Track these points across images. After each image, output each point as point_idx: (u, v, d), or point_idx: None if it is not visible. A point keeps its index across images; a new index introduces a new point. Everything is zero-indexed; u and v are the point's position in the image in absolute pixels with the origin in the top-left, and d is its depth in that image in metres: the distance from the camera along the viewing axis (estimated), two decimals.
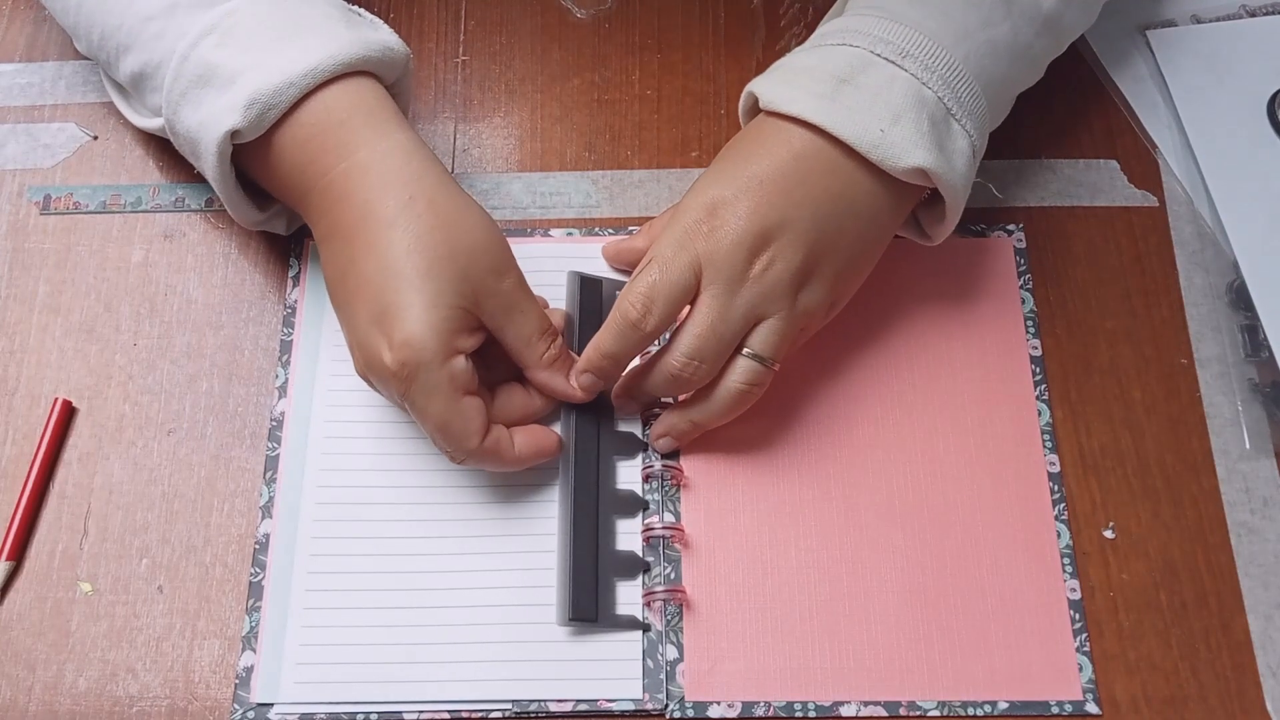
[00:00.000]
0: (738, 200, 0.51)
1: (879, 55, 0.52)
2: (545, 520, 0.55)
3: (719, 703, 0.52)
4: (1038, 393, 0.59)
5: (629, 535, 0.55)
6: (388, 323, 0.49)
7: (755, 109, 0.55)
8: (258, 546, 0.55)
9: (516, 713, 0.52)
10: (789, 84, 0.53)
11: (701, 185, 0.53)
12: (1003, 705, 0.52)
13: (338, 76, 0.53)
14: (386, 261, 0.50)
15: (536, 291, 0.54)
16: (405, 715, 0.52)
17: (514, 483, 0.56)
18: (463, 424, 0.50)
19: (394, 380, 0.49)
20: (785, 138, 0.52)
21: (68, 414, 0.58)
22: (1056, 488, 0.57)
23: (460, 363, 0.50)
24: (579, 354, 0.55)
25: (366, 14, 0.57)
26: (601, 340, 0.53)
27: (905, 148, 0.51)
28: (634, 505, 0.56)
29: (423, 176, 0.52)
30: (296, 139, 0.53)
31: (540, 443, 0.54)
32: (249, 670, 0.53)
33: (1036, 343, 0.60)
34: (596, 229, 0.63)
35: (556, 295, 0.59)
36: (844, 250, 0.53)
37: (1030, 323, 0.60)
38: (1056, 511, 0.56)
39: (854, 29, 0.53)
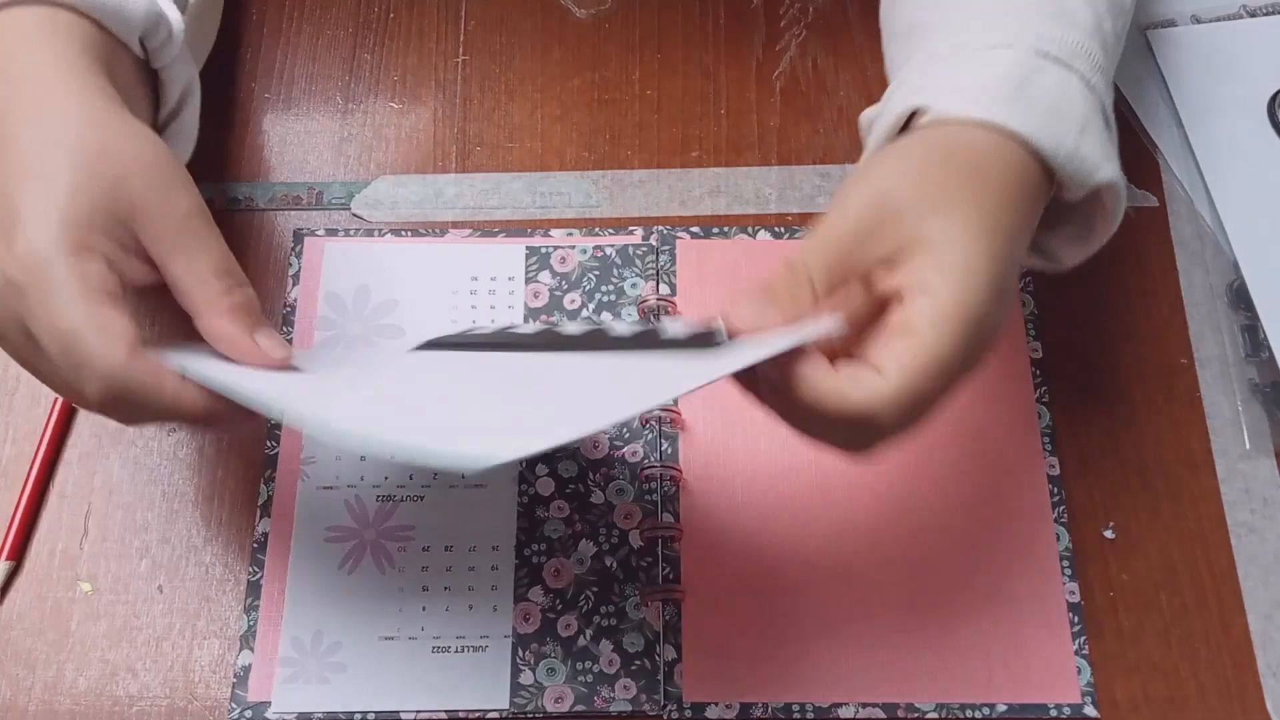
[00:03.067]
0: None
1: (1047, 54, 0.46)
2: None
3: (717, 703, 0.52)
4: (1038, 395, 0.58)
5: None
6: (7, 226, 0.41)
7: (892, 128, 0.48)
8: (257, 546, 0.55)
9: (514, 713, 0.52)
10: (955, 90, 0.45)
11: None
12: (1001, 708, 0.52)
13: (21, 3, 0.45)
14: (15, 159, 0.42)
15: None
16: (403, 715, 0.52)
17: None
18: (95, 335, 0.40)
19: (12, 295, 0.41)
20: (963, 138, 0.44)
21: (68, 414, 0.58)
22: (1056, 490, 0.56)
23: (96, 264, 0.41)
24: None
25: None
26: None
27: (1095, 161, 0.45)
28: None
29: (85, 99, 0.44)
30: None
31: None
32: (247, 669, 0.53)
33: (1037, 344, 0.60)
34: (596, 229, 0.63)
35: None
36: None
37: (1030, 325, 0.60)
38: (1056, 514, 0.56)
39: (1001, 27, 0.47)
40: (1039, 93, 0.45)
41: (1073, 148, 0.45)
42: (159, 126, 0.53)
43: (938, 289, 0.41)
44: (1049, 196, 0.46)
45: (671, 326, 0.45)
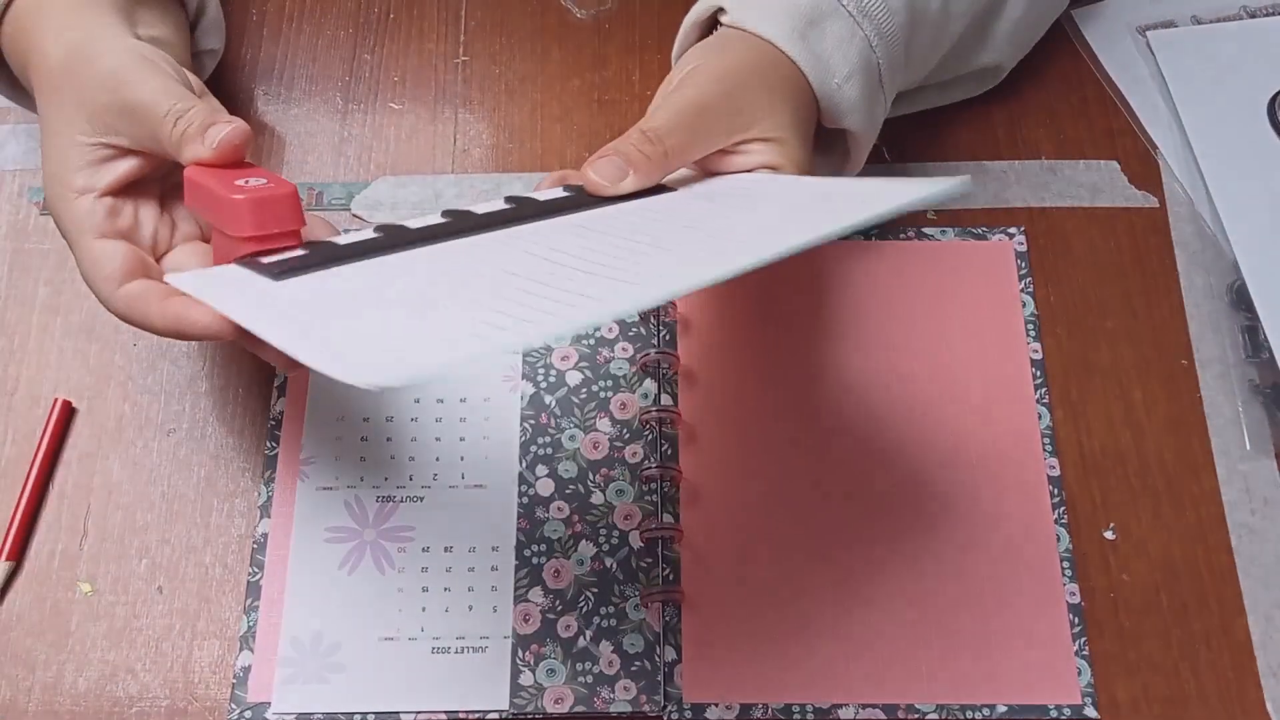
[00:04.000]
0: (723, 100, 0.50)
1: (844, 5, 0.53)
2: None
3: (717, 704, 0.52)
4: (1038, 396, 0.58)
5: None
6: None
7: (708, 23, 0.55)
8: (257, 546, 0.55)
9: (514, 714, 0.52)
10: (762, 9, 0.53)
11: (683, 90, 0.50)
12: (1001, 709, 0.52)
13: None
14: (39, 114, 0.49)
15: None
16: (403, 715, 0.52)
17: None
18: (89, 269, 0.47)
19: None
20: (773, 53, 0.52)
21: (67, 414, 0.58)
22: (1056, 491, 0.56)
23: (84, 204, 0.47)
24: None
25: None
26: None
27: (849, 108, 0.53)
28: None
29: (84, 31, 0.50)
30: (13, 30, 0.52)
31: (180, 315, 0.45)
32: (246, 670, 0.53)
33: (1037, 345, 0.60)
34: None
35: None
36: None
37: (1031, 326, 0.60)
38: (1056, 515, 0.56)
39: None
40: (821, 35, 0.52)
41: (834, 90, 0.53)
42: (192, 25, 0.60)
43: (784, 168, 0.50)
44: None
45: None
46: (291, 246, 0.45)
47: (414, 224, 0.46)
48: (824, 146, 0.57)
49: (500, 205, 0.48)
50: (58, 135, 0.48)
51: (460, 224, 0.46)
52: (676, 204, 0.48)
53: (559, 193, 0.49)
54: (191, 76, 0.51)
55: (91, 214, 0.47)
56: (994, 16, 0.61)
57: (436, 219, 0.46)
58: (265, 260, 0.44)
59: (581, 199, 0.48)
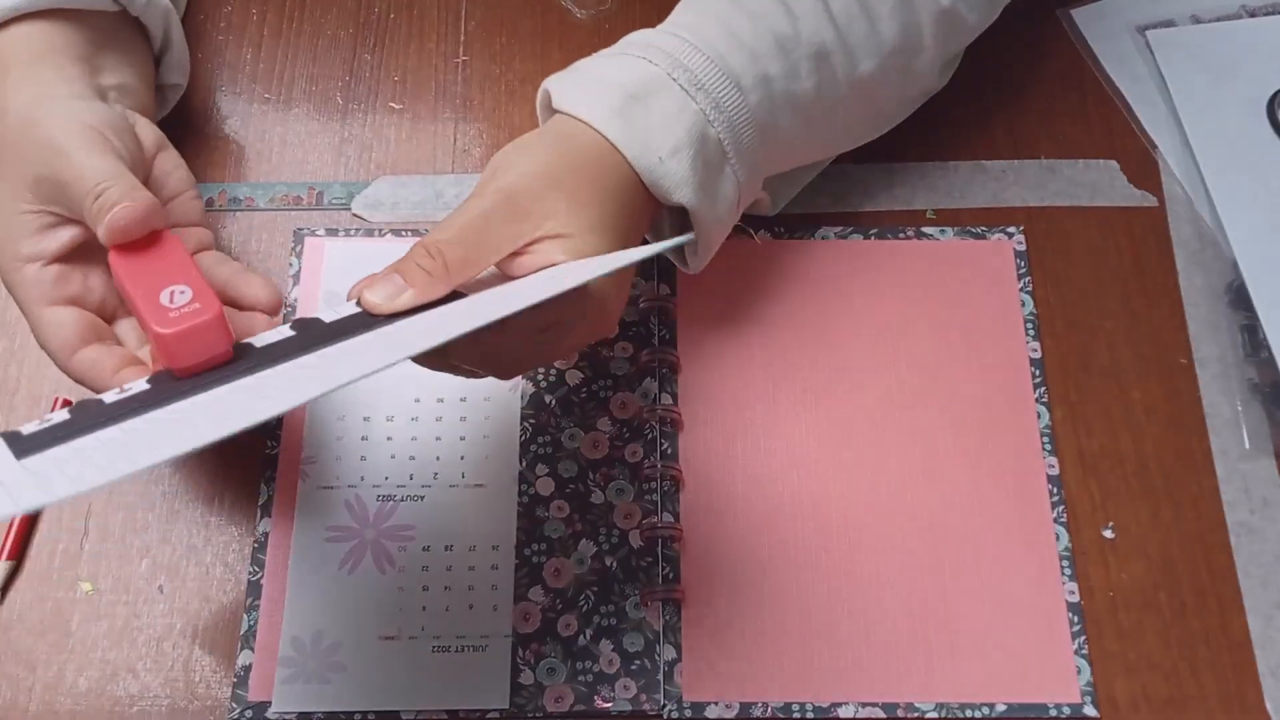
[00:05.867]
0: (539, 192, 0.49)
1: (675, 80, 0.51)
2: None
3: (716, 703, 0.52)
4: (1037, 395, 0.59)
5: None
6: None
7: (542, 101, 0.54)
8: (257, 546, 0.56)
9: (514, 713, 0.52)
10: (584, 89, 0.52)
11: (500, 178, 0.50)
12: (1001, 707, 0.52)
13: (19, 19, 0.52)
14: None
15: None
16: (403, 715, 0.52)
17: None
18: (42, 338, 0.48)
19: None
20: (586, 138, 0.51)
21: None
22: (1055, 490, 0.57)
23: (31, 272, 0.48)
24: None
25: None
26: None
27: (676, 183, 0.51)
28: None
29: (36, 90, 0.50)
30: None
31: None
32: (247, 669, 0.53)
33: (1036, 345, 0.60)
34: None
35: None
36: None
37: (1030, 325, 0.60)
38: (1056, 514, 0.56)
39: (658, 46, 0.52)
40: (646, 109, 0.51)
41: (655, 165, 0.51)
42: (158, 59, 0.60)
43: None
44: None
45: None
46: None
47: (110, 399, 0.43)
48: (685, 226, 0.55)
49: (286, 333, 0.45)
50: (3, 204, 0.48)
51: (248, 364, 0.44)
52: (434, 315, 0.46)
53: (351, 308, 0.46)
54: (148, 130, 0.52)
55: (39, 282, 0.48)
56: (913, 56, 0.57)
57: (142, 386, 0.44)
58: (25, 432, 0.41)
59: (368, 319, 0.46)
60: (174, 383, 0.43)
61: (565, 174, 0.49)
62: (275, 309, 0.51)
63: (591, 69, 0.53)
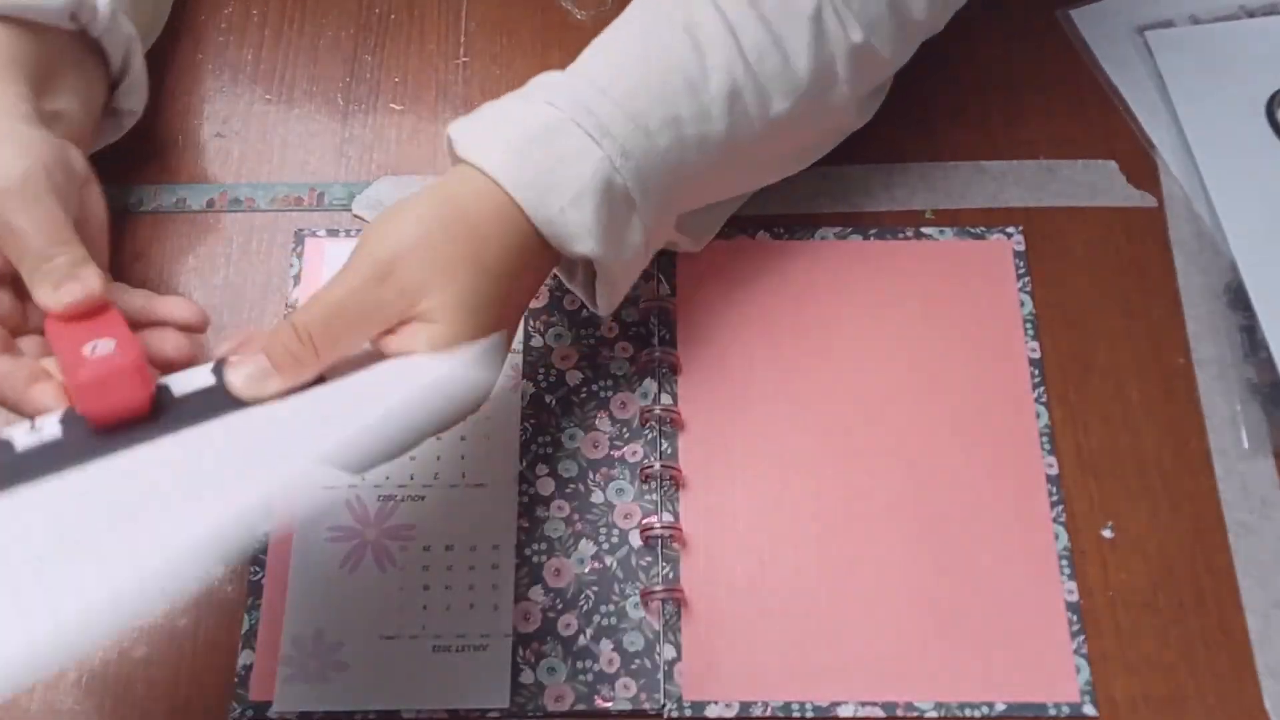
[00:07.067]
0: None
1: (579, 125, 0.49)
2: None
3: (716, 702, 0.53)
4: (1036, 395, 0.59)
5: None
6: None
7: (448, 147, 0.52)
8: (258, 545, 0.56)
9: (514, 712, 0.52)
10: (484, 134, 0.50)
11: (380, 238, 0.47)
12: (1000, 707, 0.52)
13: None
14: None
15: None
16: (403, 714, 0.53)
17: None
18: None
19: None
20: (473, 199, 0.48)
21: None
22: (1054, 490, 0.57)
23: None
24: None
25: None
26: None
27: (576, 233, 0.49)
28: None
29: None
30: None
31: (39, 406, 0.45)
32: (248, 669, 0.53)
33: (1035, 345, 0.60)
34: None
35: None
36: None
37: (1029, 325, 0.60)
38: (1054, 514, 0.56)
39: (564, 89, 0.50)
40: (546, 155, 0.48)
41: (554, 214, 0.48)
42: (114, 83, 0.58)
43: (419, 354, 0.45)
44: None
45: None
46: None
47: (20, 443, 0.42)
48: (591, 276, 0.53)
49: (207, 377, 0.44)
50: None
51: (166, 421, 0.43)
52: (292, 408, 0.44)
53: (206, 378, 0.44)
54: (79, 163, 0.50)
55: None
56: (826, 92, 0.55)
57: (54, 433, 0.43)
58: None
59: (226, 400, 0.44)
60: (89, 436, 0.42)
61: (442, 245, 0.46)
62: (202, 325, 0.50)
63: (493, 114, 0.51)
